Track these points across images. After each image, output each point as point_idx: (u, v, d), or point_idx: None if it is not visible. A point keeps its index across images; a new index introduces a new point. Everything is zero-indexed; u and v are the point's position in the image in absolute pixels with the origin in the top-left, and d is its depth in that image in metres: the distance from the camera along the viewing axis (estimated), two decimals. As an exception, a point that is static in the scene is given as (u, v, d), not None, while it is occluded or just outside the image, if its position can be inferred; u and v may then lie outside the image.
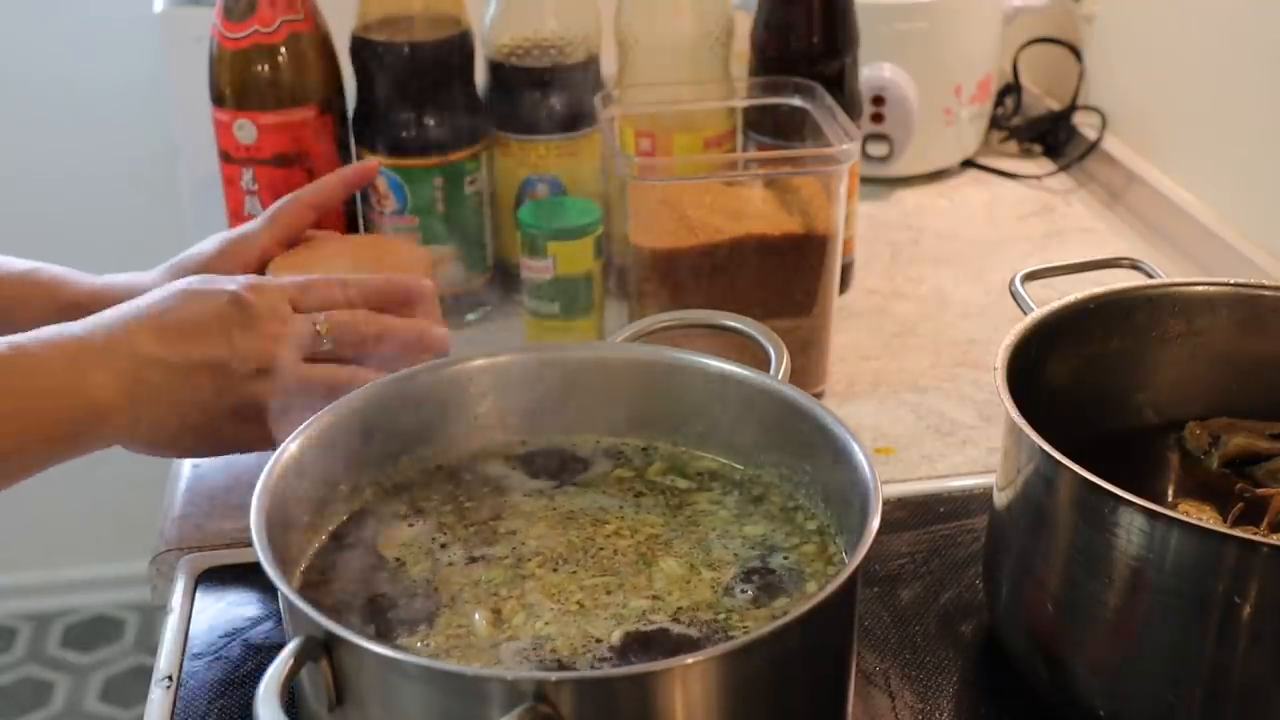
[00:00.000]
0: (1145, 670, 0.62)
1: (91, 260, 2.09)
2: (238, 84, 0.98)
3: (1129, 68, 1.31)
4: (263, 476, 0.64)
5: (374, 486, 0.71)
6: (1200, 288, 0.77)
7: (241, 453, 0.79)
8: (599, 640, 0.61)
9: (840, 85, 1.04)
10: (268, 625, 0.76)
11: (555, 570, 0.66)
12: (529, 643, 0.61)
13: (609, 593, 0.65)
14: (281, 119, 0.99)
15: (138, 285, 0.84)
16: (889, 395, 0.99)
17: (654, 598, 0.64)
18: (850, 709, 0.65)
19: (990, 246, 1.21)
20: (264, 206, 1.00)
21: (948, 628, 0.76)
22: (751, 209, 0.95)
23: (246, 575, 0.80)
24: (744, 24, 1.09)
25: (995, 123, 1.39)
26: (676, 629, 0.62)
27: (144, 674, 2.05)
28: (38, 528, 2.14)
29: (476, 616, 0.63)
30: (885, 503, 0.65)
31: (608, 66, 1.08)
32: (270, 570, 0.58)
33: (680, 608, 0.64)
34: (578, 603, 0.64)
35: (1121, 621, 0.62)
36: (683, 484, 0.72)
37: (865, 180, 1.27)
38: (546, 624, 0.62)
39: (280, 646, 0.55)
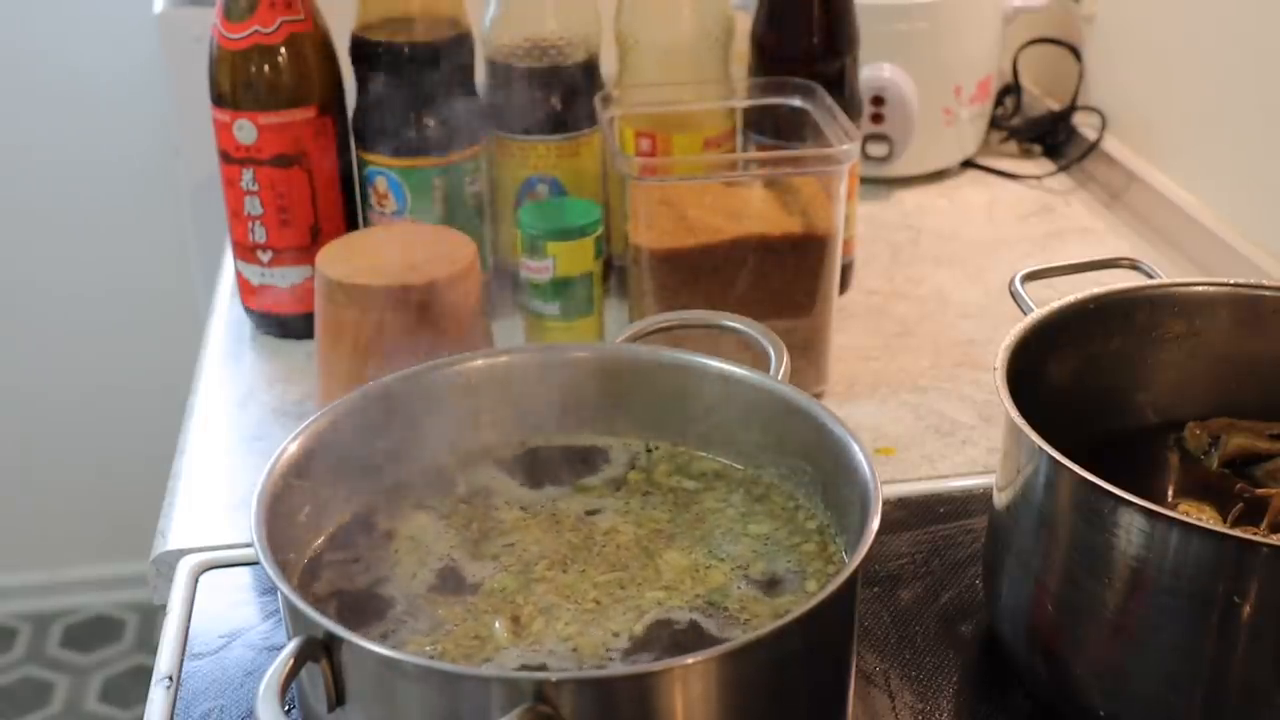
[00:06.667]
0: (1145, 670, 0.62)
1: (93, 261, 2.11)
2: (238, 84, 0.98)
3: (1129, 68, 1.31)
4: (262, 476, 0.64)
5: (374, 487, 0.71)
6: (1200, 288, 0.76)
7: None
8: (616, 634, 0.62)
9: (840, 85, 1.04)
10: (268, 625, 0.76)
11: (565, 571, 0.66)
12: (554, 645, 0.61)
13: (622, 587, 0.65)
14: (281, 119, 0.99)
15: None
16: (889, 395, 0.99)
17: (666, 588, 0.65)
18: (850, 709, 0.65)
19: (990, 246, 1.21)
20: (264, 207, 1.00)
21: (948, 628, 0.76)
22: (751, 209, 0.95)
23: (246, 575, 0.80)
24: (744, 24, 1.09)
25: (995, 123, 1.39)
26: (692, 620, 0.63)
27: (144, 674, 2.05)
28: (38, 528, 2.14)
29: (497, 625, 0.62)
30: (885, 503, 0.65)
31: (608, 66, 1.08)
32: (270, 570, 0.58)
33: (697, 595, 0.64)
34: (594, 600, 0.64)
35: (1121, 621, 0.62)
36: (690, 484, 0.72)
37: (865, 180, 1.27)
38: (567, 625, 0.62)
39: (280, 646, 0.55)
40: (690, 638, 0.62)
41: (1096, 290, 0.75)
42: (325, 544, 0.68)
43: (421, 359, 0.74)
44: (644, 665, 0.56)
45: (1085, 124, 1.36)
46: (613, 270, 1.07)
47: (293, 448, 0.66)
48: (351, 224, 1.05)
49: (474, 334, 0.90)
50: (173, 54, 1.50)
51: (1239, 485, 0.72)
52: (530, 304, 0.98)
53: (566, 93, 1.04)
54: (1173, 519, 0.59)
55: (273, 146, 0.99)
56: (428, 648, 0.61)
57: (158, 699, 0.71)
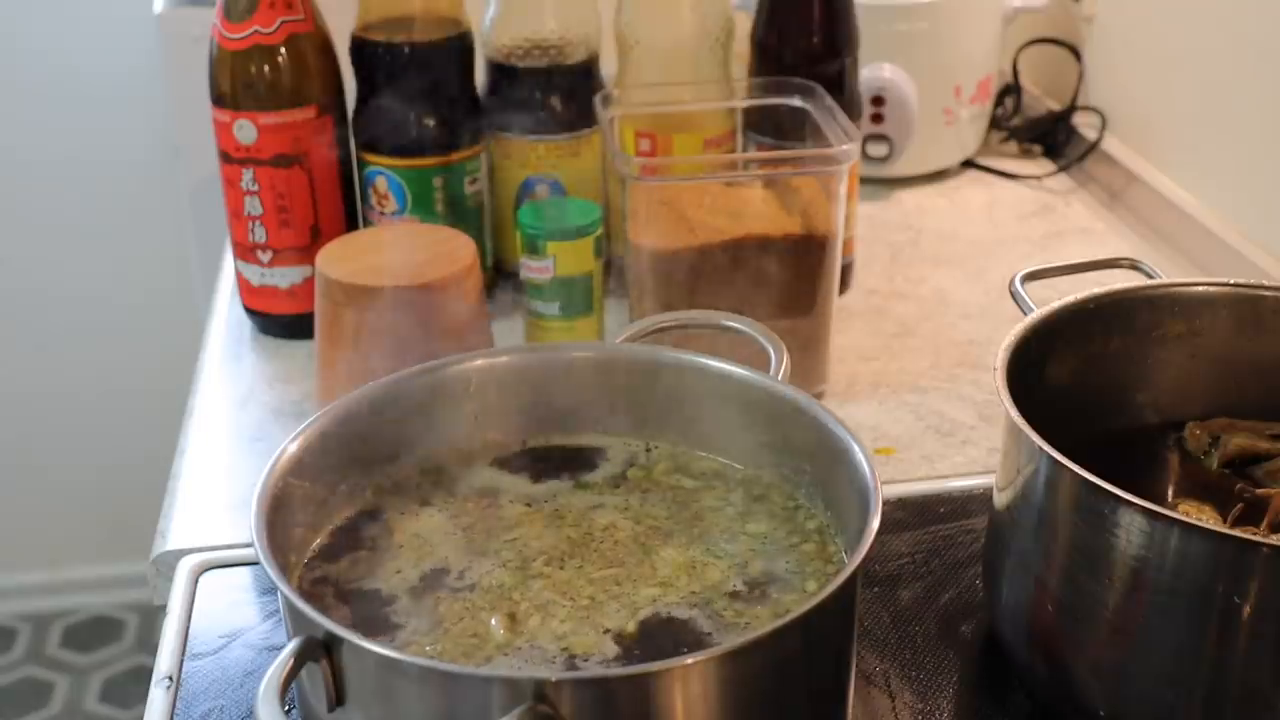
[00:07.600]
0: (1145, 670, 0.62)
1: (92, 261, 2.11)
2: (238, 84, 0.98)
3: (1129, 68, 1.31)
4: (262, 476, 0.64)
5: (374, 486, 0.71)
6: (1200, 288, 0.76)
7: None
8: (607, 631, 0.62)
9: (840, 85, 1.04)
10: (268, 625, 0.76)
11: (562, 567, 0.66)
12: (547, 643, 0.61)
13: (618, 584, 0.65)
14: (281, 119, 0.99)
15: None
16: (889, 395, 0.99)
17: (661, 585, 0.65)
18: (850, 709, 0.65)
19: (990, 246, 1.21)
20: (264, 207, 1.00)
21: (948, 628, 0.76)
22: (751, 209, 0.95)
23: (246, 575, 0.80)
24: (744, 24, 1.09)
25: (995, 123, 1.39)
26: (686, 617, 0.63)
27: (144, 674, 2.05)
28: (38, 528, 2.14)
29: (493, 622, 0.62)
30: (885, 503, 0.65)
31: (608, 66, 1.08)
32: (270, 570, 0.58)
33: (692, 591, 0.64)
34: (589, 597, 0.64)
35: (1121, 621, 0.62)
36: (689, 483, 0.72)
37: (865, 180, 1.27)
38: (562, 622, 0.62)
39: (280, 646, 0.55)
40: (684, 635, 0.62)
41: (1096, 290, 0.75)
42: (325, 544, 0.68)
43: (421, 359, 0.74)
44: (644, 665, 0.56)
45: (1085, 124, 1.36)
46: (613, 270, 1.07)
47: (293, 448, 0.66)
48: (351, 224, 1.05)
49: (474, 334, 0.90)
50: (173, 54, 1.50)
51: (1239, 485, 0.72)
52: (530, 304, 0.98)
53: (566, 93, 1.04)
54: (1173, 519, 0.59)
55: (273, 146, 0.99)
56: (427, 647, 0.61)
57: (158, 699, 0.71)
